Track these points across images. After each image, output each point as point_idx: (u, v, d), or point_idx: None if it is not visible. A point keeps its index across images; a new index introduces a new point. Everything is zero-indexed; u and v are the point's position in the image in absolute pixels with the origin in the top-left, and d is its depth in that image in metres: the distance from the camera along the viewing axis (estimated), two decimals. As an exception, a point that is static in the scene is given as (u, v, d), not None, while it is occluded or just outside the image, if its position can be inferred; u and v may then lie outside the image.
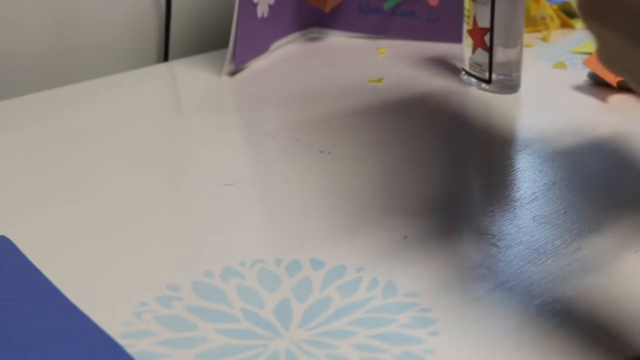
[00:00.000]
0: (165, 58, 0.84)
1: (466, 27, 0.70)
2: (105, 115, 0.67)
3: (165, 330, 0.39)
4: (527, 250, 0.45)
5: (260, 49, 0.77)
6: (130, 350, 0.37)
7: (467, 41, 0.70)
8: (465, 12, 0.70)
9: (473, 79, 0.70)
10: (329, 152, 0.58)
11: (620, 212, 0.49)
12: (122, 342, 0.38)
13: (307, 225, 0.48)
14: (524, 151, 0.58)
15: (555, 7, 0.87)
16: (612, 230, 0.47)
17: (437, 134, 0.61)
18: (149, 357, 0.37)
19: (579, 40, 0.82)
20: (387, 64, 0.78)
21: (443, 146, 0.59)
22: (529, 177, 0.54)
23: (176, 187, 0.56)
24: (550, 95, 0.69)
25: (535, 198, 0.51)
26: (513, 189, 0.53)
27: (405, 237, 0.47)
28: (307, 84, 0.73)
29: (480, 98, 0.68)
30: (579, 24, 0.87)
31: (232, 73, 0.74)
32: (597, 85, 0.69)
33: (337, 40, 0.85)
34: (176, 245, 0.47)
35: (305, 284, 0.42)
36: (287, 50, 0.81)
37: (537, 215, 0.49)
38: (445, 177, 0.54)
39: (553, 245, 0.46)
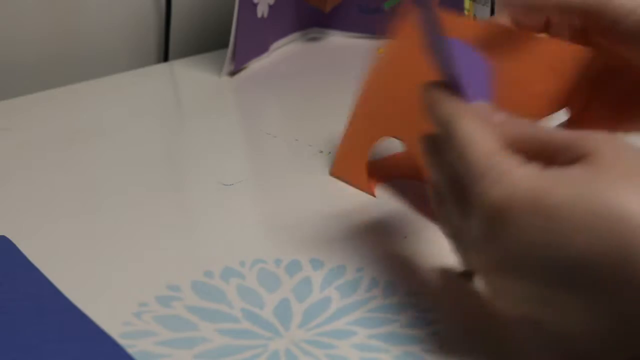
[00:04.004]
0: (165, 58, 0.84)
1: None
2: (105, 115, 0.67)
3: (165, 330, 0.39)
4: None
5: (260, 49, 0.77)
6: (130, 350, 0.37)
7: (467, 41, 0.70)
8: (465, 12, 0.70)
9: (473, 79, 0.70)
10: (329, 152, 0.58)
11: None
12: (122, 342, 0.38)
13: (307, 226, 0.48)
14: (524, 151, 0.58)
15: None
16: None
17: (437, 134, 0.61)
18: (149, 357, 0.37)
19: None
20: (387, 64, 0.77)
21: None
22: (529, 177, 0.54)
23: (176, 187, 0.56)
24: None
25: (535, 198, 0.51)
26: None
27: (405, 237, 0.47)
28: (307, 84, 0.73)
29: (480, 98, 0.68)
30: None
31: (232, 73, 0.74)
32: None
33: (337, 40, 0.85)
34: (176, 245, 0.47)
35: (305, 284, 0.42)
36: (287, 50, 0.81)
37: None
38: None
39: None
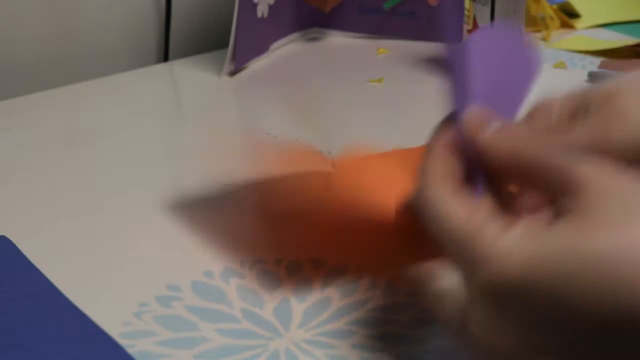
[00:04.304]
0: (165, 58, 0.84)
1: (466, 27, 0.70)
2: (106, 115, 0.67)
3: (165, 330, 0.39)
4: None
5: (260, 49, 0.77)
6: (130, 350, 0.37)
7: (467, 41, 0.70)
8: (465, 12, 0.70)
9: (473, 79, 0.70)
10: (329, 152, 0.58)
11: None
12: (122, 342, 0.38)
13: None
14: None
15: (555, 7, 0.87)
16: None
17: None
18: (149, 357, 0.37)
19: (579, 40, 0.82)
20: (387, 64, 0.78)
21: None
22: (529, 177, 0.54)
23: (176, 187, 0.56)
24: (550, 95, 0.69)
25: (535, 198, 0.51)
26: (513, 189, 0.52)
27: (405, 237, 0.47)
28: (307, 84, 0.73)
29: (480, 98, 0.68)
30: (579, 23, 0.87)
31: (232, 73, 0.74)
32: (597, 85, 0.69)
33: (337, 40, 0.85)
34: (176, 245, 0.47)
35: (305, 284, 0.42)
36: (287, 50, 0.81)
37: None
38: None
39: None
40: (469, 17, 0.69)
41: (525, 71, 0.39)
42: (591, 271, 0.28)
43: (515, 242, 0.30)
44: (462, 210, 0.33)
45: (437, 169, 0.35)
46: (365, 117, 0.66)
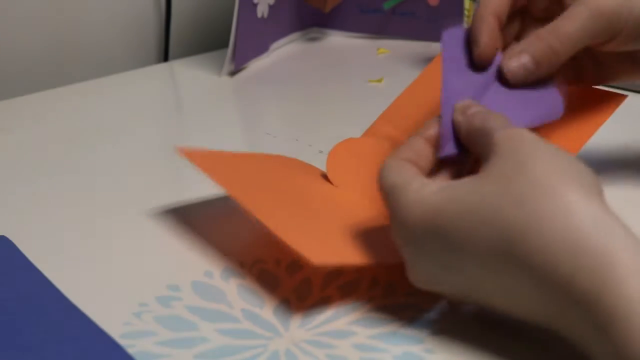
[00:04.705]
0: (165, 58, 0.84)
1: (466, 27, 0.70)
2: (106, 115, 0.67)
3: (165, 330, 0.39)
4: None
5: (260, 49, 0.77)
6: (130, 350, 0.37)
7: (467, 41, 0.70)
8: (465, 12, 0.70)
9: (473, 79, 0.70)
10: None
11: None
12: (122, 342, 0.38)
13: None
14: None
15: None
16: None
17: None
18: (149, 357, 0.37)
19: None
20: (387, 64, 0.78)
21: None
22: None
23: (176, 187, 0.56)
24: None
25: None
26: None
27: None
28: (307, 84, 0.73)
29: (480, 98, 0.68)
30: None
31: (232, 73, 0.74)
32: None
33: (337, 40, 0.85)
34: (176, 245, 0.47)
35: (305, 284, 0.42)
36: (287, 50, 0.81)
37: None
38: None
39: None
40: (469, 17, 0.69)
41: (543, 111, 0.43)
42: (475, 214, 0.34)
43: (426, 194, 0.36)
44: (406, 173, 0.38)
45: (406, 153, 0.39)
46: (365, 117, 0.66)
